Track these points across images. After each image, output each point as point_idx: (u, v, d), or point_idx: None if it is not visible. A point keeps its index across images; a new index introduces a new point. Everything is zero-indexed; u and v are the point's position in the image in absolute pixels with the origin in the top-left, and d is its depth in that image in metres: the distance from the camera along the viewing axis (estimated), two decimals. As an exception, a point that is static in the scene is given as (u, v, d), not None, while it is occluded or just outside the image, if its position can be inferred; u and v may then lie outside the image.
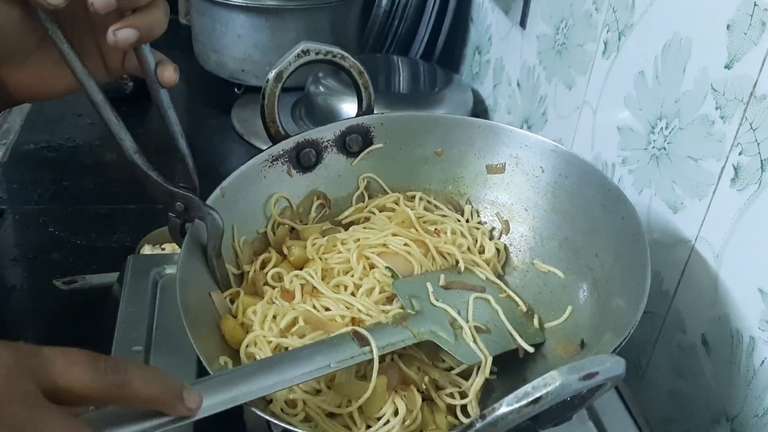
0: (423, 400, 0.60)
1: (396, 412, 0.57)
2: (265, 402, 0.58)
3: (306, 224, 0.73)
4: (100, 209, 1.12)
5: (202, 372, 0.68)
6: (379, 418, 0.58)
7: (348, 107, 1.15)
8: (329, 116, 1.15)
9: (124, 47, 0.54)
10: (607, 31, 0.85)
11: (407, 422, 0.57)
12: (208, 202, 0.64)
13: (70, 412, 0.41)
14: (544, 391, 0.42)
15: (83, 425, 0.41)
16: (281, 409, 0.58)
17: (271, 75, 0.68)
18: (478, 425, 0.44)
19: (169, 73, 0.57)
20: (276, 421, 0.52)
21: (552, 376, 0.42)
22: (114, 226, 1.08)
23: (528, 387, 0.42)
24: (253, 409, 0.52)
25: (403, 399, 0.57)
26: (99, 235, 1.06)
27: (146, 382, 0.43)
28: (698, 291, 0.70)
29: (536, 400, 0.42)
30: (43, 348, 0.41)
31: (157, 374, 0.44)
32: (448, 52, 1.40)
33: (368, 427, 0.57)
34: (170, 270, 0.79)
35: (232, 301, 0.65)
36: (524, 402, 0.42)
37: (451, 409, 0.61)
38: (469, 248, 0.73)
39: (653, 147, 0.76)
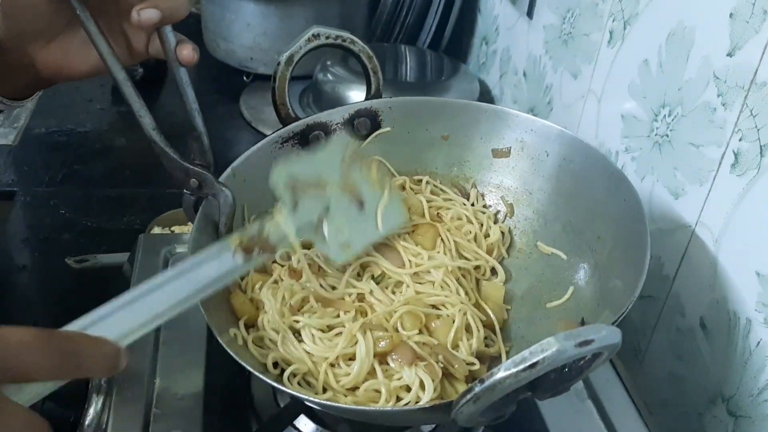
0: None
1: (422, 385, 0.58)
2: (276, 373, 0.60)
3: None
4: (110, 192, 1.14)
5: (210, 346, 0.70)
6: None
7: (355, 94, 1.16)
8: (337, 104, 1.14)
9: (148, 27, 0.56)
10: (613, 21, 0.86)
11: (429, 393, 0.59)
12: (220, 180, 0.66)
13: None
14: (540, 356, 0.43)
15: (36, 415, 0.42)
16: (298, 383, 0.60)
17: (283, 58, 0.70)
18: (477, 389, 0.45)
19: (187, 51, 0.60)
20: (282, 387, 0.54)
21: (549, 342, 0.43)
22: (123, 209, 1.10)
23: (525, 353, 0.44)
24: (259, 375, 0.53)
25: (425, 370, 0.58)
26: (109, 218, 1.08)
27: (95, 353, 0.45)
28: (697, 275, 0.72)
29: (533, 365, 0.43)
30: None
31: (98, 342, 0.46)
32: (456, 42, 1.42)
33: (398, 399, 0.59)
34: (181, 249, 0.81)
35: (241, 278, 0.67)
36: (522, 367, 0.43)
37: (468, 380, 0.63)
38: (475, 235, 0.74)
39: (656, 134, 0.77)
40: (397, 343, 0.61)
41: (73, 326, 0.49)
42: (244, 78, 1.43)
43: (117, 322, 0.50)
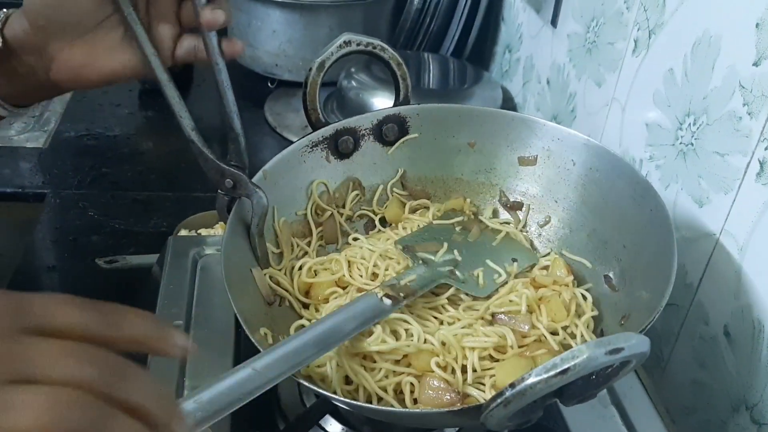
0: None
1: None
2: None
3: (343, 207, 0.76)
4: (138, 195, 1.16)
5: (239, 345, 0.71)
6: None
7: (379, 101, 1.18)
8: (361, 111, 1.16)
9: (214, 28, 0.59)
10: (638, 30, 0.87)
11: None
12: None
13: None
14: (571, 363, 0.44)
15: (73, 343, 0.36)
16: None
17: (314, 64, 0.71)
18: (507, 393, 0.46)
19: (233, 44, 0.63)
20: (309, 385, 0.55)
21: (580, 350, 0.44)
22: (151, 211, 1.12)
23: (557, 359, 0.45)
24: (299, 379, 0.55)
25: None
26: (137, 220, 1.10)
27: (138, 322, 0.39)
28: (721, 283, 0.72)
29: (564, 371, 0.44)
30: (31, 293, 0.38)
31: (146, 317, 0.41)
32: (479, 49, 1.43)
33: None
34: (209, 251, 0.82)
35: (271, 278, 0.68)
36: (552, 373, 0.44)
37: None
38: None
39: (680, 143, 0.78)
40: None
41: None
42: (269, 84, 1.44)
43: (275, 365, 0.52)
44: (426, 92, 1.26)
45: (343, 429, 0.68)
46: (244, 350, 0.69)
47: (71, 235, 1.07)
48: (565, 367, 0.44)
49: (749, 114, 0.67)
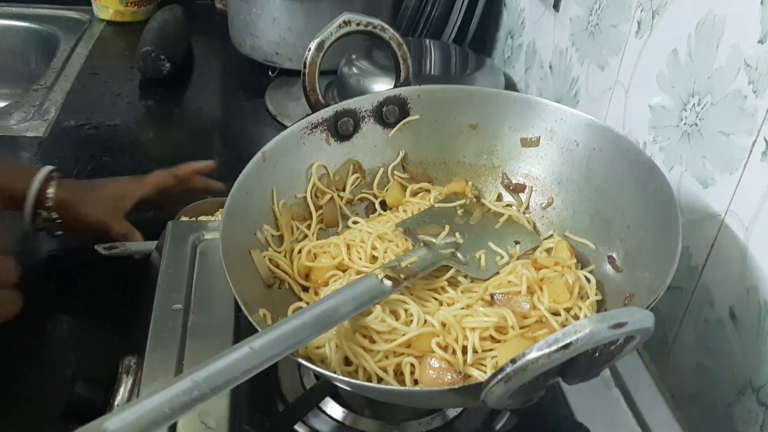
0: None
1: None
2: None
3: (343, 191, 0.75)
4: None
5: (239, 329, 0.70)
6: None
7: (380, 88, 1.16)
8: (362, 97, 1.17)
9: None
10: (641, 11, 0.86)
11: None
12: (250, 164, 0.67)
13: None
14: (574, 338, 0.43)
15: None
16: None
17: (313, 44, 0.70)
18: (508, 369, 0.44)
19: None
20: (307, 364, 0.54)
21: (582, 324, 0.43)
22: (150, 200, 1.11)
23: (558, 333, 0.43)
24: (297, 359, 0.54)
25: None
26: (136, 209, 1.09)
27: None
28: (727, 264, 0.71)
29: (566, 346, 0.43)
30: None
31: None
32: (481, 36, 1.42)
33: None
34: (209, 235, 0.81)
35: (270, 261, 0.68)
36: (554, 347, 0.43)
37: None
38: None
39: (685, 124, 0.77)
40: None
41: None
42: (270, 73, 1.44)
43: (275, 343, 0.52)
44: (429, 79, 1.25)
45: (343, 412, 0.67)
46: (244, 336, 0.67)
47: (71, 224, 1.06)
48: (568, 341, 0.43)
49: (754, 92, 0.66)
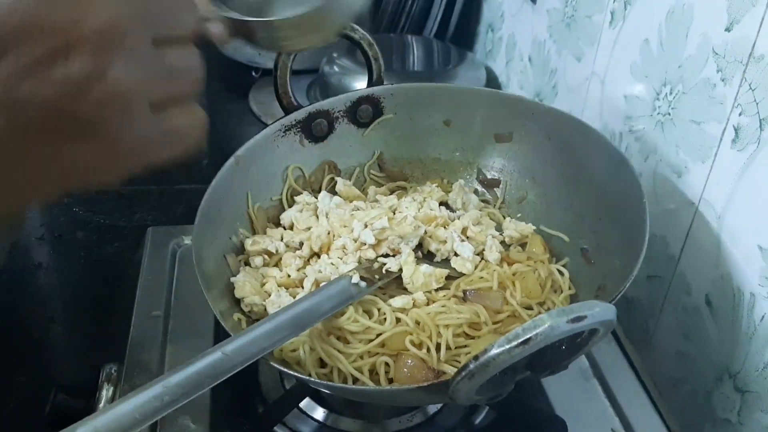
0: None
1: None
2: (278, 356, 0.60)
3: (319, 192, 0.76)
4: (122, 190, 1.15)
5: (218, 334, 0.71)
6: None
7: (362, 86, 1.16)
8: (344, 95, 1.17)
9: None
10: (614, 1, 0.86)
11: None
12: (223, 169, 0.67)
13: None
14: (533, 333, 0.43)
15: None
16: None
17: (283, 48, 0.70)
18: (471, 366, 0.45)
19: None
20: (281, 367, 0.55)
21: (541, 319, 0.44)
22: (135, 206, 1.11)
23: (519, 329, 0.44)
24: (271, 362, 0.54)
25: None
26: (121, 215, 1.09)
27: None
28: (702, 253, 0.72)
29: (526, 341, 0.43)
30: None
31: None
32: (462, 30, 1.41)
33: None
34: (188, 241, 0.82)
35: (245, 264, 0.68)
36: (515, 343, 0.43)
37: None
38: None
39: (658, 113, 0.77)
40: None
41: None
42: (253, 74, 1.43)
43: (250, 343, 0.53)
44: (410, 75, 1.26)
45: (324, 412, 0.67)
46: (224, 340, 0.68)
47: (57, 232, 1.06)
48: (527, 336, 0.43)
49: (723, 80, 0.67)
